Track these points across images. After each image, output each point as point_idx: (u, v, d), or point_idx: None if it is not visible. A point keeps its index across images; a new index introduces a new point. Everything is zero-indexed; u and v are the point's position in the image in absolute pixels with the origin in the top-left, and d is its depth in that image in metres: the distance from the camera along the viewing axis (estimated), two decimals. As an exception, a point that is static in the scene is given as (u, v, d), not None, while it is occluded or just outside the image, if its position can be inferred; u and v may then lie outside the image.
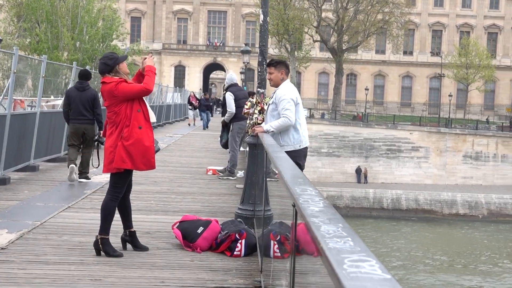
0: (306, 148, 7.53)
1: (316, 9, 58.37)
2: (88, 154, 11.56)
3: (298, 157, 7.38)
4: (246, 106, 8.25)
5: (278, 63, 7.62)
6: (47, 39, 47.87)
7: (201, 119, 33.44)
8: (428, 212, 44.23)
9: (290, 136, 7.31)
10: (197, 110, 34.48)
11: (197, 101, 34.91)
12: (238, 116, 13.33)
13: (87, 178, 11.52)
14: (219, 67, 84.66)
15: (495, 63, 73.45)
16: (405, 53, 78.87)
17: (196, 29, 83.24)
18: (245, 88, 33.34)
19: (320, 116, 61.27)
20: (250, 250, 6.73)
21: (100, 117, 11.38)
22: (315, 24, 58.02)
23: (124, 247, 6.70)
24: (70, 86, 14.00)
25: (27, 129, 12.26)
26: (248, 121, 8.18)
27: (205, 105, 33.14)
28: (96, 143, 11.00)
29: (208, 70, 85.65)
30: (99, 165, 9.79)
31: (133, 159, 6.39)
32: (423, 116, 64.53)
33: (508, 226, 40.84)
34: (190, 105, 35.55)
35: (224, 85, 16.39)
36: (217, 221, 7.15)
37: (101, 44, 52.83)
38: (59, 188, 10.84)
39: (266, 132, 7.29)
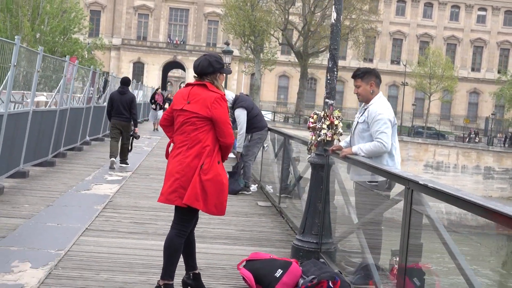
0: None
1: (283, 12, 57.29)
2: (127, 145, 14.20)
3: (390, 189, 6.11)
4: (311, 120, 6.92)
5: (366, 73, 6.33)
6: (6, 28, 45.57)
7: None
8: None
9: (384, 163, 6.02)
10: (162, 111, 29.12)
11: (162, 100, 30.18)
12: (257, 125, 12.00)
13: (126, 163, 14.19)
14: (178, 65, 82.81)
15: (478, 76, 73.82)
16: (365, 60, 78.56)
17: (157, 26, 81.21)
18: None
19: (283, 120, 60.18)
20: (344, 301, 5.43)
21: (135, 116, 14.01)
22: (282, 27, 56.92)
23: (186, 293, 5.34)
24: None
25: (19, 130, 10.68)
26: (312, 137, 6.87)
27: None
28: (131, 137, 14.14)
29: (167, 68, 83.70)
30: (131, 149, 14.47)
31: (207, 199, 5.02)
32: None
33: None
34: (154, 104, 30.18)
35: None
36: (297, 262, 5.82)
37: (62, 37, 50.71)
38: (62, 201, 9.33)
39: (355, 154, 5.99)
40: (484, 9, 79.62)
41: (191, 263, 5.36)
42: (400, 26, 79.99)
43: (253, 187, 11.82)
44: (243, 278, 5.75)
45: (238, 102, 11.78)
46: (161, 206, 9.63)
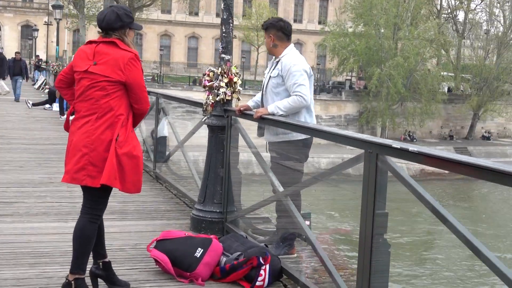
0: (312, 134, 5.73)
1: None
2: None
3: (308, 147, 5.62)
4: (207, 78, 6.22)
5: (268, 26, 5.73)
6: None
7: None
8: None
9: (302, 120, 5.48)
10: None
11: None
12: None
13: None
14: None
15: (300, 27, 75.16)
16: (191, 13, 77.76)
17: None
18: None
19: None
20: (275, 278, 4.91)
21: None
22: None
23: (95, 286, 4.55)
24: None
25: None
26: (210, 97, 6.20)
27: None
28: None
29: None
30: None
31: (124, 176, 4.23)
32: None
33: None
34: None
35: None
36: (216, 238, 5.20)
37: None
38: None
39: (272, 115, 5.41)
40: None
41: (100, 251, 4.56)
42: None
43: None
44: (156, 260, 5.05)
45: None
46: (26, 180, 8.60)
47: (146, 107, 4.38)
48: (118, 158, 4.17)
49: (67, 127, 4.47)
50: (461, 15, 66.84)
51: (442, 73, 60.40)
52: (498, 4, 63.25)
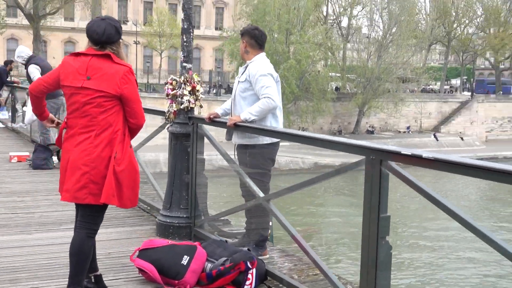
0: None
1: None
2: None
3: (275, 152, 5.46)
4: (169, 86, 5.93)
5: (243, 33, 5.55)
6: None
7: None
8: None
9: (268, 124, 5.31)
10: None
11: None
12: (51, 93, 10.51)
13: None
14: None
15: (199, 33, 74.27)
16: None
17: None
18: None
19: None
20: (260, 280, 4.73)
21: None
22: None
23: (87, 300, 4.21)
24: None
25: None
26: (174, 105, 5.92)
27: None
28: None
29: None
30: None
31: (121, 192, 3.95)
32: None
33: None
34: None
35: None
36: (199, 245, 4.94)
37: None
38: None
39: (245, 121, 5.20)
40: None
41: (91, 264, 4.23)
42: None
43: (54, 159, 10.36)
44: (140, 270, 4.75)
45: (32, 59, 10.45)
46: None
47: (142, 121, 4.08)
48: (116, 175, 3.88)
49: (59, 143, 4.10)
50: (345, 21, 68.61)
51: (330, 73, 61.74)
52: (378, 11, 65.26)
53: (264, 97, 5.18)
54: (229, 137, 5.54)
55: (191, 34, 5.98)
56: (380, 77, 60.76)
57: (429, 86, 79.47)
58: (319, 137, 4.25)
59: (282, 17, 56.34)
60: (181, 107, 5.87)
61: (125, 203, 3.98)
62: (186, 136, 5.93)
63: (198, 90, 5.92)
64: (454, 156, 3.18)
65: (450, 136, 62.39)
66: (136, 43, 66.92)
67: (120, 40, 4.03)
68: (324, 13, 68.19)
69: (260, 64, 5.35)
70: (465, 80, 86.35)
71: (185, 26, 5.96)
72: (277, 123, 5.36)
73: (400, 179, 3.49)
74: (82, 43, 76.84)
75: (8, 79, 16.60)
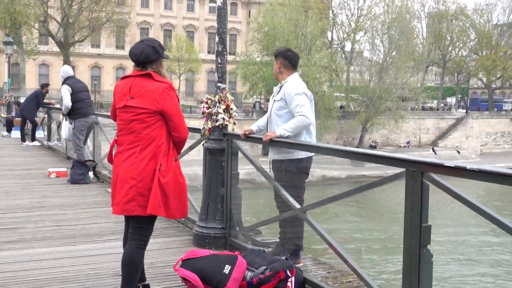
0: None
1: (42, 5, 52.70)
2: None
3: (309, 166, 5.30)
4: (205, 105, 5.82)
5: (278, 54, 5.42)
6: None
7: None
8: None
9: (303, 139, 5.17)
10: None
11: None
12: (81, 112, 10.46)
13: None
14: None
15: (213, 58, 74.32)
16: (117, 47, 76.11)
17: None
18: None
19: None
20: (299, 288, 4.57)
21: None
22: (42, 19, 52.39)
23: (137, 309, 4.05)
24: None
25: None
26: (209, 122, 5.79)
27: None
28: None
29: None
30: None
31: (168, 203, 3.83)
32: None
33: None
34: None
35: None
36: (240, 254, 4.79)
37: None
38: None
39: (280, 137, 5.06)
40: (214, 1, 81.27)
41: (140, 275, 4.09)
42: (145, 16, 78.73)
43: (90, 174, 10.25)
44: (184, 279, 4.59)
45: (67, 80, 10.50)
46: (17, 205, 7.84)
47: (185, 135, 3.95)
48: (161, 187, 3.75)
49: (110, 159, 3.98)
50: (348, 46, 68.59)
51: (335, 93, 61.65)
52: (379, 36, 65.21)
53: (299, 115, 5.04)
54: (265, 151, 5.40)
55: (225, 56, 5.86)
56: (381, 96, 60.56)
57: (426, 104, 79.18)
58: (359, 152, 4.10)
59: (291, 43, 56.34)
60: (216, 124, 5.74)
61: (173, 214, 3.85)
62: (220, 151, 5.79)
63: (231, 108, 5.80)
64: (498, 167, 3.02)
65: (447, 149, 62.02)
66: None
67: (162, 59, 3.93)
68: (329, 39, 68.22)
69: (294, 84, 5.22)
70: (459, 98, 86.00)
71: (220, 49, 5.84)
72: (311, 138, 5.22)
73: (443, 190, 3.32)
74: (107, 68, 77.58)
75: (45, 100, 16.70)
